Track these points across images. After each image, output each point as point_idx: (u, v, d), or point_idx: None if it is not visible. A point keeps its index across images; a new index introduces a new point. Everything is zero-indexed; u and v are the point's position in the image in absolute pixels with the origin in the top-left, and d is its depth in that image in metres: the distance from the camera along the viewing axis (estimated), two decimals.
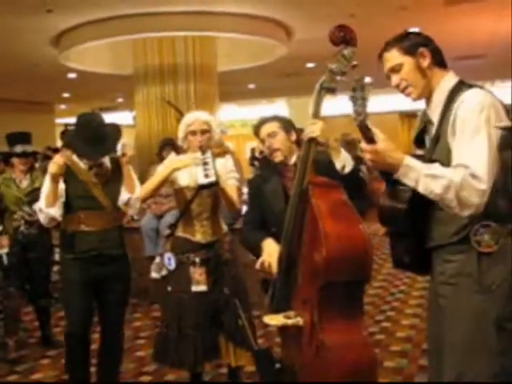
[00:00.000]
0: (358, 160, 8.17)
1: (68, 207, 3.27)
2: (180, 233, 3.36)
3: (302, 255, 2.39)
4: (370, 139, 1.97)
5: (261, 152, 12.24)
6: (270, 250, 2.64)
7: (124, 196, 3.37)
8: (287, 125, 2.81)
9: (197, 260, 3.24)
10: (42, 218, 3.29)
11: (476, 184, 1.90)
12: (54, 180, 3.15)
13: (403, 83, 2.16)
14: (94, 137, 3.19)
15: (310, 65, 11.17)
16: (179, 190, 3.34)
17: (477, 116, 1.96)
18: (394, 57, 2.17)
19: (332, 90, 2.33)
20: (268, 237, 2.72)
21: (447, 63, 2.23)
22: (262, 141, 2.81)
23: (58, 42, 8.50)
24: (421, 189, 1.96)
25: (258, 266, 2.67)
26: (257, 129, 2.83)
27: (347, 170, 2.50)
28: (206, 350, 3.22)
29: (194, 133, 3.22)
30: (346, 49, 2.28)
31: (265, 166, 4.85)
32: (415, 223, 2.15)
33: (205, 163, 3.03)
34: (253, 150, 13.83)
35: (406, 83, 2.15)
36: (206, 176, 3.01)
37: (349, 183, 2.47)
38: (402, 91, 2.19)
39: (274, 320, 2.44)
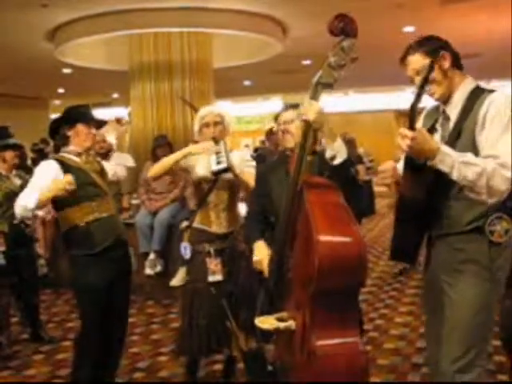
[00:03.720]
0: (359, 159, 8.19)
1: (73, 201, 3.19)
2: (196, 224, 3.45)
3: (295, 259, 2.34)
4: (412, 125, 2.09)
5: (255, 149, 12.22)
6: (261, 255, 2.68)
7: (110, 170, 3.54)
8: None
9: (211, 250, 3.34)
10: (21, 211, 3.06)
11: (505, 172, 2.08)
12: (54, 196, 3.07)
13: (428, 86, 2.26)
14: (89, 111, 3.41)
15: (305, 62, 11.16)
16: (197, 182, 3.44)
17: (508, 114, 2.15)
18: (417, 60, 2.30)
19: (329, 86, 2.18)
20: (262, 235, 2.74)
21: None
22: (279, 124, 2.85)
23: (53, 37, 8.45)
24: (455, 175, 2.10)
25: (254, 264, 2.71)
26: (278, 115, 2.88)
27: (337, 161, 2.34)
28: (218, 337, 3.30)
29: (207, 125, 3.36)
30: (345, 40, 2.12)
31: (261, 162, 4.85)
32: (426, 212, 2.28)
33: (217, 152, 3.21)
34: (246, 147, 13.75)
35: (430, 84, 2.25)
36: (219, 163, 3.19)
37: (337, 176, 2.37)
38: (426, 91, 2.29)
39: (266, 323, 2.37)
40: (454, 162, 2.09)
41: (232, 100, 18.39)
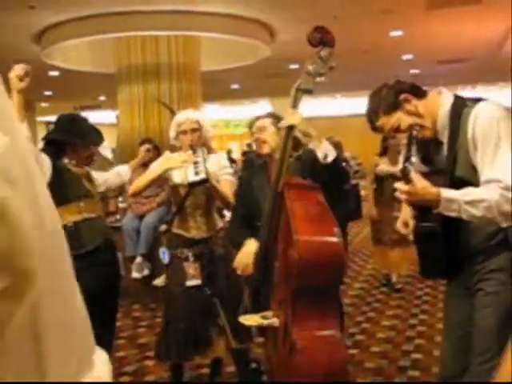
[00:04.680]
0: (345, 162, 8.24)
1: (61, 201, 3.14)
2: (175, 229, 3.43)
3: (278, 256, 2.42)
4: (408, 180, 2.06)
5: (243, 153, 12.24)
6: (248, 250, 2.68)
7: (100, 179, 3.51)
8: (279, 122, 2.87)
9: (190, 255, 3.33)
10: None
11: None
12: None
13: (412, 133, 2.27)
14: (90, 126, 3.35)
15: (293, 66, 11.20)
16: (174, 187, 3.42)
17: (495, 130, 2.08)
18: (386, 122, 2.29)
19: (309, 92, 2.34)
20: (251, 236, 2.76)
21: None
22: (253, 134, 2.89)
23: (40, 39, 8.42)
24: (464, 216, 2.08)
25: (234, 265, 2.74)
26: (251, 124, 2.92)
27: (330, 159, 2.46)
28: (196, 342, 3.29)
29: (184, 132, 3.31)
30: (322, 50, 2.30)
31: (249, 165, 4.89)
32: (447, 238, 2.27)
33: (195, 162, 3.15)
34: (229, 152, 13.59)
35: (415, 131, 2.26)
36: (196, 173, 3.13)
37: (332, 173, 2.49)
38: (417, 139, 2.29)
39: (250, 320, 2.45)
40: (459, 206, 2.05)
41: (220, 103, 18.42)
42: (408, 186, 2.06)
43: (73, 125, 3.30)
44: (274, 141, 2.77)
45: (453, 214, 2.08)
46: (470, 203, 2.04)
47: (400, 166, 2.19)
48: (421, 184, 2.08)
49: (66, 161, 3.27)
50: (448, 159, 2.23)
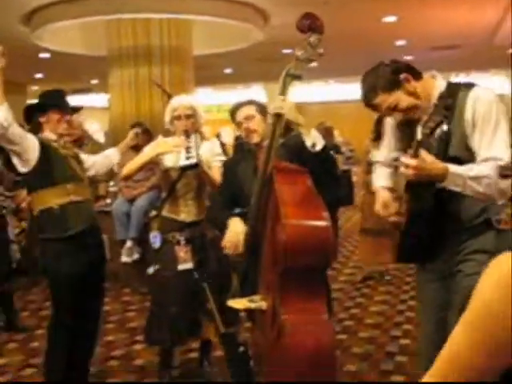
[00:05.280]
0: (336, 148, 8.21)
1: (48, 182, 3.18)
2: (165, 213, 3.44)
3: (266, 240, 2.43)
4: (416, 155, 2.08)
5: (236, 138, 12.18)
6: (236, 229, 2.65)
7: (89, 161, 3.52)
8: (263, 109, 2.86)
9: (181, 239, 3.34)
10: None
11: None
12: None
13: (408, 113, 2.30)
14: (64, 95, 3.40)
15: (286, 51, 11.11)
16: (165, 170, 3.43)
17: (495, 110, 2.17)
18: (384, 99, 2.30)
19: (298, 77, 2.32)
20: (235, 216, 2.75)
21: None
22: (239, 124, 2.84)
23: (30, 21, 8.29)
24: (468, 191, 2.14)
25: (223, 244, 2.69)
26: (233, 112, 2.86)
27: (318, 147, 2.46)
28: (189, 326, 3.32)
29: (178, 117, 3.32)
30: (311, 36, 2.28)
31: (240, 150, 4.86)
32: (434, 217, 2.31)
33: (188, 147, 3.18)
34: (218, 135, 13.40)
35: (410, 111, 2.29)
36: (188, 158, 3.16)
37: (321, 161, 2.48)
38: (411, 118, 2.33)
39: (238, 304, 2.46)
40: (464, 181, 2.11)
41: (213, 88, 18.30)
42: (417, 161, 2.07)
43: (43, 96, 3.36)
44: (262, 129, 2.75)
45: (457, 189, 2.13)
46: (475, 179, 2.11)
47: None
48: (429, 159, 2.10)
49: (47, 134, 3.25)
50: (441, 141, 2.25)
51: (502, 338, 0.79)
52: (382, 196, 2.54)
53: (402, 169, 2.13)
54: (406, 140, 2.35)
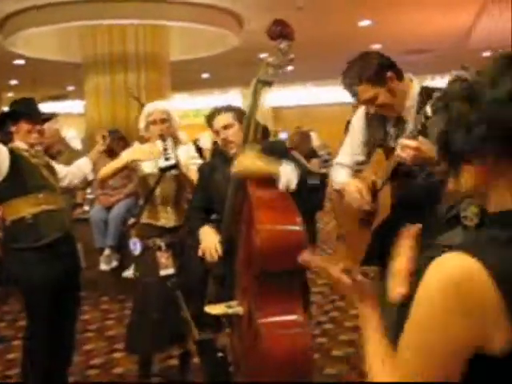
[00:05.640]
0: (313, 152, 8.22)
1: (20, 192, 3.15)
2: (144, 219, 3.44)
3: (241, 244, 2.45)
4: (414, 136, 2.14)
5: (214, 142, 12.14)
6: (209, 239, 2.67)
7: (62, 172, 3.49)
8: (240, 116, 2.81)
9: (162, 244, 3.35)
10: None
11: None
12: None
13: (381, 109, 2.35)
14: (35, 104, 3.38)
15: (262, 55, 11.15)
16: (143, 177, 3.44)
17: None
18: (365, 90, 2.35)
19: (269, 84, 2.33)
20: (206, 224, 2.77)
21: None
22: (216, 132, 2.81)
23: (3, 27, 8.19)
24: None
25: (200, 253, 2.70)
26: (210, 119, 2.83)
27: (292, 186, 2.32)
28: (170, 333, 3.30)
29: (154, 122, 3.36)
30: (282, 43, 2.30)
31: (217, 154, 4.85)
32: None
33: (165, 149, 3.21)
34: (195, 141, 13.27)
35: (384, 108, 2.34)
36: (167, 159, 3.20)
37: (302, 196, 2.36)
38: (382, 114, 2.38)
39: (215, 309, 2.47)
40: None
41: (189, 93, 18.26)
42: (417, 142, 2.12)
43: (14, 105, 3.35)
44: (240, 139, 2.70)
45: None
46: None
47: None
48: (426, 143, 2.14)
49: (18, 144, 3.22)
50: (412, 135, 2.28)
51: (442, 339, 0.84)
52: (355, 185, 2.52)
53: (398, 151, 2.16)
54: (377, 136, 2.39)
